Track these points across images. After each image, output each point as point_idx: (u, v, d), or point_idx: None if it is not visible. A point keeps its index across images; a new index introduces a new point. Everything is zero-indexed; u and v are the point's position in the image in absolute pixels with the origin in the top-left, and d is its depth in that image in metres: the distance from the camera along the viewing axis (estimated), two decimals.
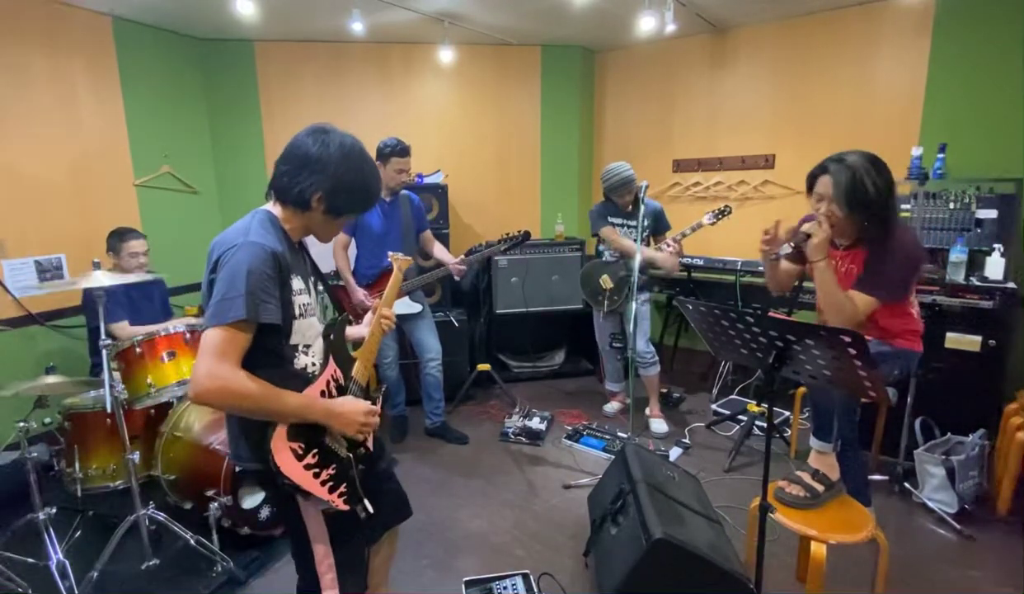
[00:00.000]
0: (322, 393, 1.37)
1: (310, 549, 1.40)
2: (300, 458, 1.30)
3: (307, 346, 1.39)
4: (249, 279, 1.20)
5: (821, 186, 1.84)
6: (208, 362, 1.18)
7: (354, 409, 1.37)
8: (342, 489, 1.36)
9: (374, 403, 1.49)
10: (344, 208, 1.39)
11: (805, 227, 1.86)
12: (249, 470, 1.37)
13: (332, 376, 1.41)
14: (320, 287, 1.53)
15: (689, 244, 3.37)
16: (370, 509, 1.41)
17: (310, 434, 1.33)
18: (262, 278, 1.23)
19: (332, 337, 1.46)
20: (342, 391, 1.43)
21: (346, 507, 1.36)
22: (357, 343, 1.63)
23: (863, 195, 1.76)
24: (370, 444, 1.52)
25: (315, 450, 1.33)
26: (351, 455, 1.42)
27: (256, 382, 1.22)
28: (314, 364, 1.40)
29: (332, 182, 1.33)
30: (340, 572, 1.42)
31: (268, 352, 1.29)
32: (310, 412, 1.31)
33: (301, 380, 1.35)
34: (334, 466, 1.36)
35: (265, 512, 2.34)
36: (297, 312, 1.35)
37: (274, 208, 1.39)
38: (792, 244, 1.90)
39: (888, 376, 1.97)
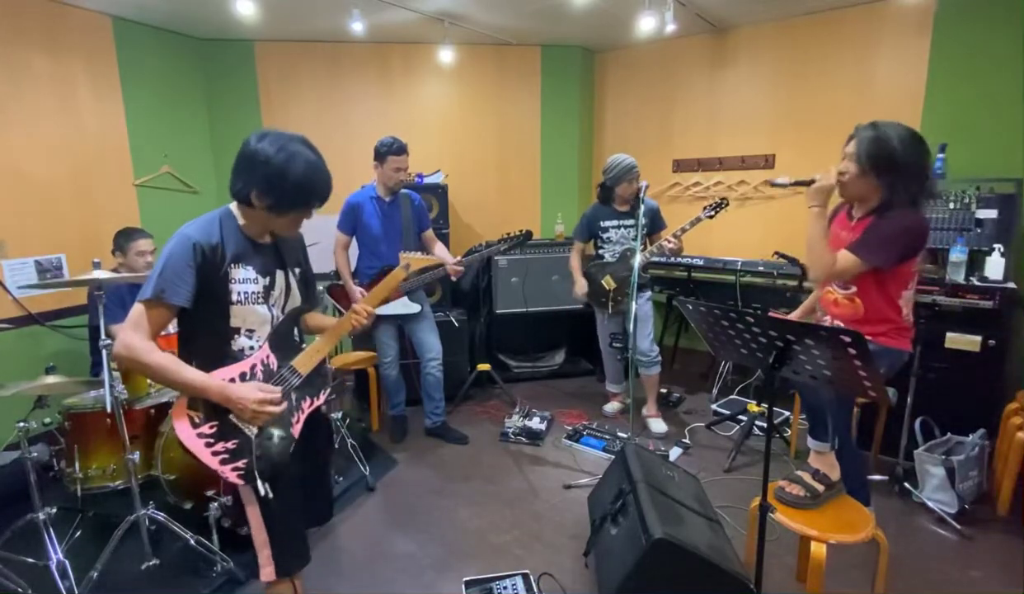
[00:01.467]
0: (243, 374, 1.45)
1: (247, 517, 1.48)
2: (195, 426, 1.41)
3: (250, 330, 1.49)
4: (166, 265, 1.36)
5: (847, 147, 1.91)
6: (124, 331, 1.35)
7: (245, 395, 1.41)
8: (239, 464, 1.42)
9: (318, 395, 1.60)
10: (282, 205, 1.44)
11: (814, 175, 1.91)
12: None
13: (262, 360, 1.50)
14: (300, 280, 1.63)
15: (689, 244, 3.37)
16: (265, 492, 1.44)
17: (213, 407, 1.42)
18: (178, 265, 1.36)
19: (276, 325, 1.54)
20: (269, 375, 1.51)
21: (240, 482, 1.42)
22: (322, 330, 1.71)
23: (886, 155, 1.78)
24: (295, 432, 1.55)
25: (215, 423, 1.42)
26: (256, 435, 1.47)
27: (160, 356, 1.36)
28: (251, 348, 1.50)
29: (265, 179, 1.40)
30: (278, 547, 1.49)
31: (204, 329, 1.45)
32: (207, 391, 1.40)
33: (232, 358, 1.47)
34: (235, 441, 1.43)
35: None
36: (234, 298, 1.45)
37: (233, 205, 1.51)
38: (792, 181, 1.99)
39: None
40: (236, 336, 1.47)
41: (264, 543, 1.48)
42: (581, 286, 3.49)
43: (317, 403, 1.61)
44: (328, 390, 1.65)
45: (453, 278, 3.20)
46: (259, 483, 1.44)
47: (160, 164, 3.83)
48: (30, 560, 2.20)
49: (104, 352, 2.11)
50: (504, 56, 4.50)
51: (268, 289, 1.52)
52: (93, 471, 2.45)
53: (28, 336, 3.19)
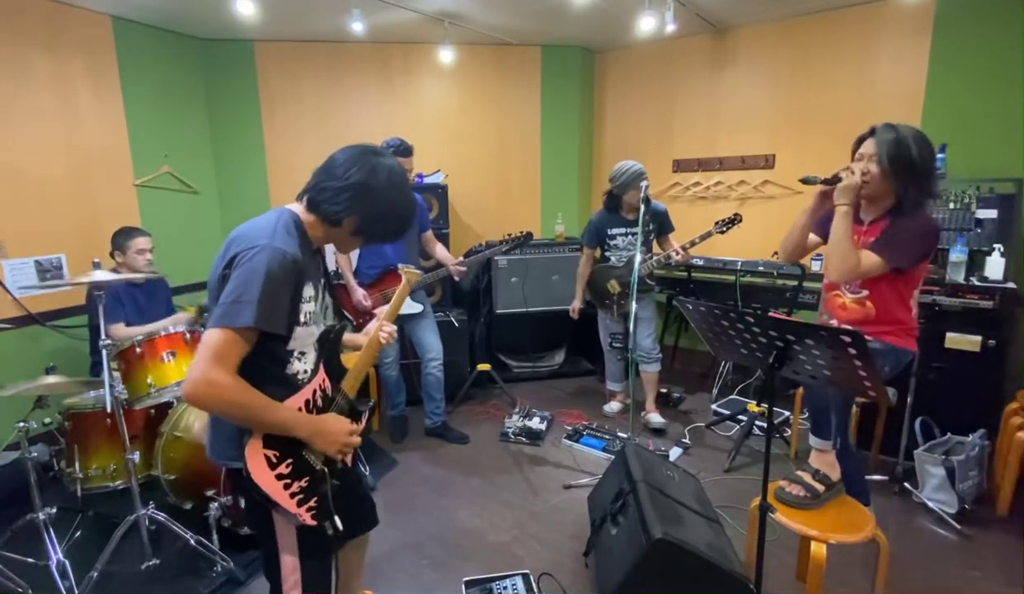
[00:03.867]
0: (307, 403, 1.34)
1: (279, 559, 1.37)
2: (273, 466, 1.27)
3: (302, 353, 1.35)
4: (265, 286, 1.17)
5: (865, 147, 1.90)
6: (206, 365, 1.15)
7: (338, 429, 1.35)
8: (311, 503, 1.33)
9: (359, 418, 1.47)
10: (376, 236, 1.41)
11: (838, 171, 1.90)
12: (230, 469, 1.35)
13: (320, 386, 1.38)
14: (328, 292, 1.49)
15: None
16: (339, 527, 1.37)
17: (288, 443, 1.30)
18: (278, 286, 1.20)
19: (327, 346, 1.43)
20: (328, 402, 1.40)
21: (313, 522, 1.32)
22: (356, 348, 1.60)
23: (906, 157, 1.80)
24: (348, 459, 1.49)
25: (290, 460, 1.30)
26: (325, 469, 1.38)
27: (250, 392, 1.20)
28: (305, 371, 1.36)
29: (370, 212, 1.33)
30: (307, 586, 1.38)
31: (262, 353, 1.26)
32: (296, 428, 1.28)
33: (289, 386, 1.32)
34: (307, 478, 1.33)
35: None
36: (302, 319, 1.31)
37: (302, 213, 1.36)
38: (822, 179, 1.95)
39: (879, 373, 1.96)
40: (291, 359, 1.32)
41: (296, 583, 1.37)
42: (575, 308, 3.69)
43: (361, 426, 1.49)
44: (367, 413, 1.54)
45: (457, 278, 3.21)
46: (335, 519, 1.36)
47: (160, 164, 3.83)
48: (30, 560, 2.20)
49: (104, 352, 2.11)
50: (504, 56, 4.50)
51: (316, 307, 1.38)
52: (93, 471, 2.46)
53: (28, 336, 3.19)
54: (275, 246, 1.21)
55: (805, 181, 1.97)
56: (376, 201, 1.32)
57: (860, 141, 1.94)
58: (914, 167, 1.81)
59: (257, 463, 1.25)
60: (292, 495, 1.29)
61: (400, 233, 1.43)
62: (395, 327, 1.63)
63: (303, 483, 1.32)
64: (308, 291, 1.32)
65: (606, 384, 3.85)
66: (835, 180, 1.88)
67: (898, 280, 1.88)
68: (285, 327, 1.24)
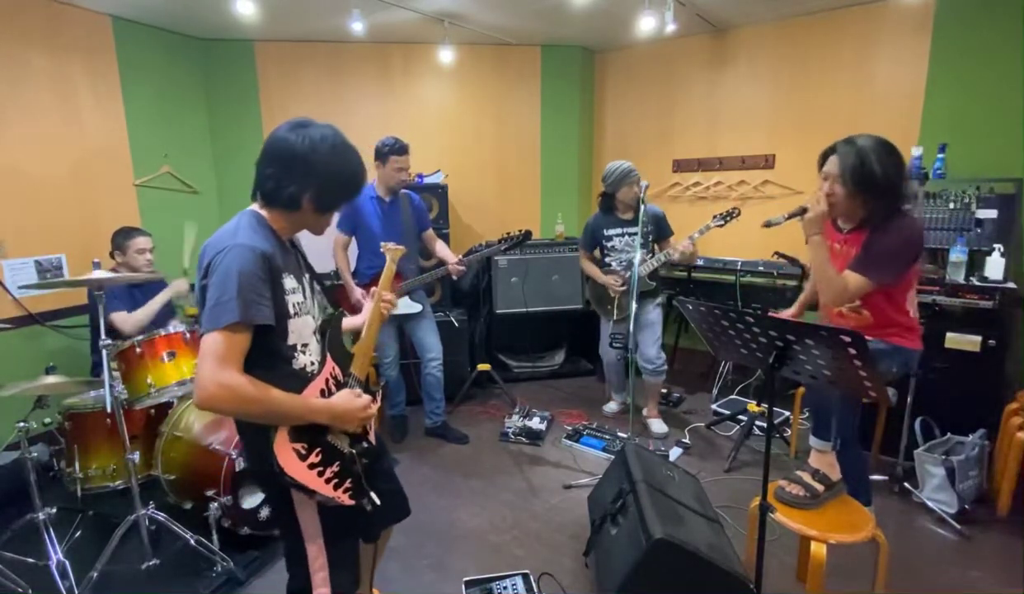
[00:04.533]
0: (322, 392, 1.37)
1: (303, 547, 1.40)
2: (303, 458, 1.31)
3: (304, 345, 1.38)
4: (240, 281, 1.21)
5: (829, 165, 1.90)
6: (210, 368, 1.18)
7: (353, 406, 1.38)
8: (347, 485, 1.38)
9: (374, 397, 1.50)
10: (335, 203, 1.41)
11: (803, 202, 1.89)
12: (256, 470, 1.37)
13: (331, 374, 1.41)
14: (315, 284, 1.51)
15: None
16: (376, 501, 1.42)
17: (312, 433, 1.33)
18: (252, 279, 1.23)
19: (328, 334, 1.46)
20: (341, 387, 1.43)
21: (352, 502, 1.36)
22: (357, 334, 1.62)
23: (869, 175, 1.79)
24: (372, 438, 1.53)
25: (318, 449, 1.34)
26: (353, 451, 1.44)
27: (259, 387, 1.22)
28: (312, 363, 1.39)
29: (321, 181, 1.33)
30: (332, 570, 1.42)
31: (266, 353, 1.29)
32: (314, 415, 1.32)
33: (300, 379, 1.34)
34: (338, 463, 1.38)
35: (265, 512, 2.34)
36: (291, 311, 1.33)
37: (261, 209, 1.38)
38: (787, 216, 1.96)
39: (886, 374, 1.96)
40: (295, 354, 1.35)
41: (323, 566, 1.41)
42: (613, 281, 3.35)
43: (377, 404, 1.53)
44: (380, 392, 1.59)
45: (455, 277, 3.21)
46: (372, 496, 1.41)
47: (160, 164, 3.83)
48: (30, 560, 2.20)
49: (104, 352, 2.11)
50: (504, 56, 4.50)
51: (304, 298, 1.42)
52: (93, 471, 2.46)
53: (28, 336, 3.19)
54: (240, 243, 1.25)
55: (768, 225, 1.98)
56: (320, 169, 1.32)
57: (824, 157, 1.93)
58: (876, 181, 1.79)
59: (288, 458, 1.28)
60: (327, 481, 1.34)
61: (358, 189, 1.42)
62: (393, 296, 1.65)
63: (335, 469, 1.37)
64: (289, 283, 1.35)
65: (612, 396, 3.84)
66: (801, 212, 1.88)
67: (891, 287, 1.87)
68: (271, 317, 1.26)
